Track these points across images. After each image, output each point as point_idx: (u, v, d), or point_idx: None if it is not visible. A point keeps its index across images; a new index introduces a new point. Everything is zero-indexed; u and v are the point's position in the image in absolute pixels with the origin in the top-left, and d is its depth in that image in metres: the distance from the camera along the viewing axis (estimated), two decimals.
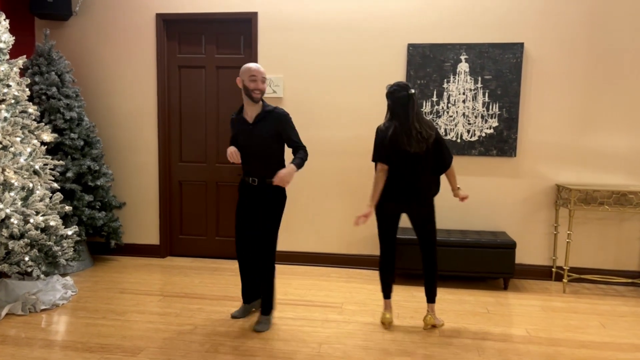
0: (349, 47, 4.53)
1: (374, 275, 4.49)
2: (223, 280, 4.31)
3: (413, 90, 3.19)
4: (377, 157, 3.27)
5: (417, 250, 3.48)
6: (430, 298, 3.33)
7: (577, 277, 4.31)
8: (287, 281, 4.28)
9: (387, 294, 3.40)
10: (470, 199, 4.49)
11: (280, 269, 4.59)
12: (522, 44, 4.28)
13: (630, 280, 4.24)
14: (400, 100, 3.19)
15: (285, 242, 4.77)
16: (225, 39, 4.78)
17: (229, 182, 4.88)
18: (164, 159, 4.90)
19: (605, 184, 4.31)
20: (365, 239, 4.65)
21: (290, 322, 3.41)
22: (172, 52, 4.85)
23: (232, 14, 4.64)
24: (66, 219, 4.26)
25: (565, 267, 4.13)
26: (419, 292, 4.03)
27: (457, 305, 3.79)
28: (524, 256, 4.46)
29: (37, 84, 4.30)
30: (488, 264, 4.13)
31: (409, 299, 3.90)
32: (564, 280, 4.14)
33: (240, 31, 4.74)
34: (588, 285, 4.35)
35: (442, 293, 4.03)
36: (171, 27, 4.82)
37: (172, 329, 3.25)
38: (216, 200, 4.95)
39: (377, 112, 4.49)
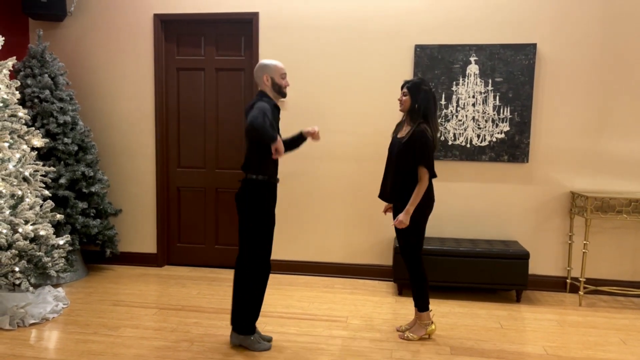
0: (353, 48, 4.35)
1: (380, 285, 4.30)
2: (222, 291, 4.12)
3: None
4: (432, 168, 3.09)
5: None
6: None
7: (594, 288, 4.11)
8: (289, 293, 4.10)
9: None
10: (480, 207, 4.30)
11: (281, 280, 4.41)
12: (534, 45, 4.10)
13: None
14: (431, 94, 3.15)
15: (287, 251, 4.59)
16: (225, 40, 4.61)
17: (229, 188, 4.70)
18: (162, 164, 4.73)
19: (622, 191, 4.12)
20: (372, 247, 4.47)
21: (293, 337, 3.23)
22: (171, 53, 4.69)
23: (233, 15, 4.48)
24: (59, 228, 4.08)
25: (581, 279, 3.94)
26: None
27: (469, 319, 3.59)
28: (536, 267, 4.27)
29: (30, 86, 4.14)
30: (500, 275, 3.93)
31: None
32: (580, 292, 3.94)
33: (240, 32, 4.57)
34: (605, 297, 4.15)
35: (452, 306, 3.84)
36: (169, 28, 4.65)
37: (167, 347, 3.07)
38: (215, 207, 4.77)
39: (382, 116, 4.31)
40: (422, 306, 3.21)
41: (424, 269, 3.20)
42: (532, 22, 4.12)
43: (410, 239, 3.16)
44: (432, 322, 3.24)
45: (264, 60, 3.10)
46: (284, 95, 3.09)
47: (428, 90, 3.14)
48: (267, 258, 3.04)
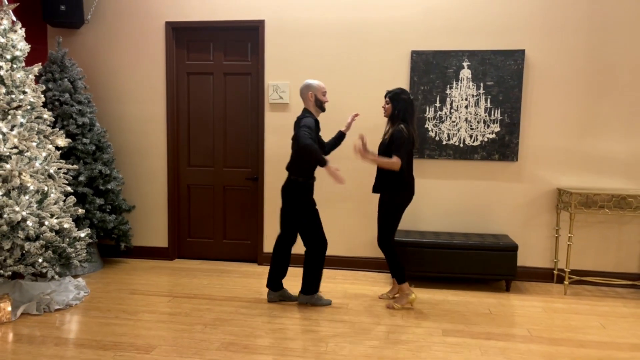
0: (354, 54, 4.64)
1: (379, 277, 4.58)
2: (231, 281, 4.41)
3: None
4: (404, 159, 3.66)
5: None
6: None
7: (578, 279, 4.39)
8: (296, 283, 4.36)
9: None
10: (473, 203, 4.58)
11: (289, 271, 4.67)
12: (523, 51, 4.38)
13: (630, 283, 4.32)
14: (409, 101, 3.74)
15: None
16: (233, 46, 4.90)
17: (236, 186, 4.99)
18: (173, 163, 5.01)
19: (605, 187, 4.39)
20: (371, 241, 4.74)
21: (298, 321, 3.51)
22: (181, 59, 4.97)
23: (240, 22, 4.76)
24: (78, 222, 4.37)
25: (566, 270, 4.21)
26: (423, 294, 4.12)
27: (461, 306, 3.87)
28: (526, 259, 4.55)
29: (51, 90, 4.42)
30: (490, 266, 4.21)
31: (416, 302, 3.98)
32: (565, 282, 4.22)
33: (247, 39, 4.86)
34: (589, 287, 4.42)
35: (446, 295, 4.12)
36: (180, 35, 4.94)
37: (183, 329, 3.35)
38: (223, 203, 5.05)
39: (380, 116, 4.58)
40: (400, 279, 3.77)
41: (396, 250, 3.80)
42: (520, 30, 4.40)
43: (386, 223, 3.75)
44: (412, 292, 3.79)
45: (308, 80, 3.76)
46: (323, 109, 3.81)
47: (407, 99, 3.71)
48: (323, 236, 3.78)
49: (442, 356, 2.99)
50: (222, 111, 4.98)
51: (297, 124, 3.63)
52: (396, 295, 3.97)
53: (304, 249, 3.83)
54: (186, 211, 5.12)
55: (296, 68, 4.72)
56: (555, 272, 4.50)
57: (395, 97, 3.75)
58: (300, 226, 3.75)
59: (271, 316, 3.59)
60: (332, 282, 4.41)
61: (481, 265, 4.22)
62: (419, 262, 4.27)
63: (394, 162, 3.60)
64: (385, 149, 3.75)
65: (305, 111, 3.70)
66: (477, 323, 3.53)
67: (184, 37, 4.95)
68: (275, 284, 3.90)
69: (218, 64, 4.94)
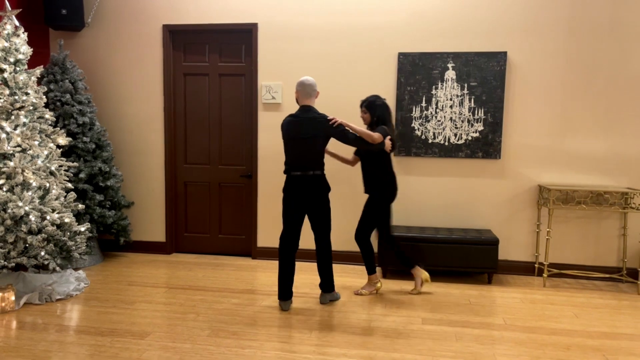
0: (343, 56, 4.82)
1: (365, 270, 4.75)
2: (224, 274, 4.60)
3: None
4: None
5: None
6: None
7: (558, 272, 4.57)
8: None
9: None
10: (457, 199, 4.76)
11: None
12: (505, 53, 4.55)
13: (608, 275, 4.49)
14: (384, 106, 3.98)
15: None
16: (228, 48, 5.08)
17: (231, 183, 5.18)
18: (170, 161, 5.21)
19: (583, 184, 4.57)
20: None
21: (292, 312, 3.69)
22: (178, 60, 5.16)
23: (234, 25, 4.95)
24: (79, 217, 4.57)
25: (545, 263, 4.39)
26: (409, 286, 4.31)
27: (441, 297, 4.06)
28: (508, 253, 4.73)
29: (52, 91, 4.62)
30: (473, 259, 4.39)
31: (398, 292, 4.17)
32: (544, 275, 4.39)
33: (241, 41, 5.04)
34: (569, 280, 4.60)
35: (429, 286, 4.30)
36: (177, 37, 5.13)
37: (177, 317, 3.55)
38: (219, 199, 5.25)
39: None
40: (371, 270, 4.09)
41: (371, 245, 4.07)
42: (503, 33, 4.58)
43: (370, 219, 4.00)
44: (379, 281, 4.12)
45: (310, 78, 3.76)
46: None
47: (382, 104, 3.94)
48: None
49: (419, 342, 3.18)
50: (218, 111, 5.17)
51: (310, 120, 3.65)
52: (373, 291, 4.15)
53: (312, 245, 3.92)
54: (183, 207, 5.32)
55: (288, 69, 4.90)
56: (536, 265, 4.68)
57: (371, 105, 3.97)
58: (329, 218, 3.81)
59: (261, 306, 3.78)
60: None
61: (464, 258, 4.40)
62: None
63: (375, 135, 3.61)
64: (366, 154, 3.97)
65: (313, 108, 3.71)
66: (456, 312, 3.72)
67: (181, 39, 5.13)
68: (289, 291, 3.78)
69: (213, 65, 5.13)
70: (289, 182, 3.73)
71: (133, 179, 5.26)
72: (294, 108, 4.88)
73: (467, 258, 4.40)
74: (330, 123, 3.63)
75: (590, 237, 4.62)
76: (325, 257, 3.83)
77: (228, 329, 3.34)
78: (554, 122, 4.58)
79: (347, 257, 4.98)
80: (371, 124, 3.98)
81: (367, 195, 4.08)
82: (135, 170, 5.25)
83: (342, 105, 4.83)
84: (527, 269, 4.72)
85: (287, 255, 3.75)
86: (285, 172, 3.76)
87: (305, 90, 3.71)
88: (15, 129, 3.82)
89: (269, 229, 5.07)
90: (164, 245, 5.28)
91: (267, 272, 4.67)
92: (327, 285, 3.87)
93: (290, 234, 3.74)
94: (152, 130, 5.19)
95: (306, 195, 3.70)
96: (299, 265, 4.78)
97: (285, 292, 3.74)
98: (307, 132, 3.64)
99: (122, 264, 4.90)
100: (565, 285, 4.44)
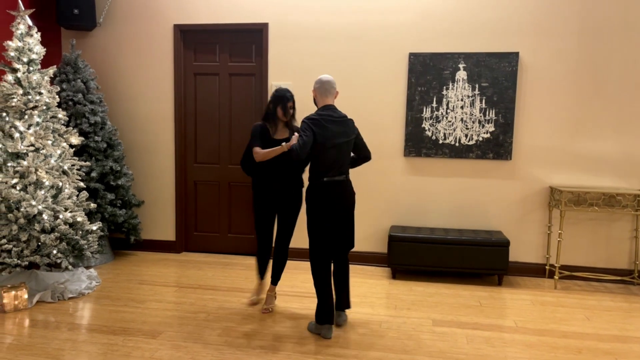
0: (354, 56, 4.81)
1: (376, 270, 4.77)
2: (234, 274, 4.62)
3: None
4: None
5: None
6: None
7: (569, 274, 4.54)
8: (295, 276, 4.58)
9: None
10: (467, 200, 4.74)
11: (288, 265, 4.89)
12: (517, 54, 4.53)
13: (619, 278, 4.46)
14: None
15: (293, 239, 5.04)
16: (238, 48, 5.09)
17: (240, 182, 5.20)
18: (180, 160, 5.23)
19: (595, 186, 4.53)
20: (368, 236, 4.93)
21: (296, 311, 3.71)
22: (189, 60, 5.18)
23: (244, 25, 4.96)
24: (90, 216, 4.61)
25: (556, 265, 4.37)
26: (418, 287, 4.30)
27: (451, 298, 4.05)
28: (519, 254, 4.70)
29: (65, 90, 4.65)
30: (483, 261, 4.37)
31: (407, 293, 4.16)
32: (555, 277, 4.37)
33: (251, 41, 5.05)
34: (580, 282, 4.57)
35: (438, 288, 4.29)
36: (188, 37, 5.15)
37: (187, 316, 3.57)
38: (229, 199, 5.26)
39: (380, 116, 4.78)
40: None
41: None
42: (515, 33, 4.55)
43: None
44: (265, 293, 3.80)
45: (328, 76, 3.38)
46: None
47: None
48: None
49: (429, 344, 3.18)
50: (228, 110, 5.18)
51: (346, 121, 3.33)
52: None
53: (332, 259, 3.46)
54: (193, 206, 5.34)
55: (298, 69, 4.90)
56: (547, 267, 4.65)
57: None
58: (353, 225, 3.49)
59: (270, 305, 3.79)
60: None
61: (474, 260, 4.38)
62: (414, 257, 4.45)
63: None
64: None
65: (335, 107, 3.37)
66: (466, 314, 3.71)
67: (191, 39, 5.15)
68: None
69: (224, 65, 5.14)
70: (323, 188, 3.28)
71: (143, 178, 5.29)
72: (303, 108, 4.89)
73: (477, 259, 4.38)
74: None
75: (601, 239, 4.58)
76: (345, 270, 3.50)
77: (239, 329, 3.36)
78: (566, 123, 4.55)
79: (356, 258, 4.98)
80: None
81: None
82: (145, 170, 5.28)
83: (353, 105, 4.83)
84: (537, 271, 4.69)
85: (329, 273, 3.33)
86: (316, 178, 3.31)
87: (323, 87, 3.33)
88: (28, 128, 3.85)
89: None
90: (174, 244, 5.31)
91: None
92: (345, 302, 3.52)
93: (329, 248, 3.32)
94: (163, 129, 5.21)
95: (342, 202, 3.35)
96: (300, 265, 4.79)
97: (330, 314, 3.29)
98: (344, 134, 3.30)
99: (132, 262, 4.94)
100: (576, 288, 4.41)
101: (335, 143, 3.25)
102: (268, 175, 3.66)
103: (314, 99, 3.42)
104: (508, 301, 4.02)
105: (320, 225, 3.27)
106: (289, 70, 4.93)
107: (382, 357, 2.98)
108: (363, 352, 3.05)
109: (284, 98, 3.59)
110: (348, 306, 3.53)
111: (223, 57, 5.13)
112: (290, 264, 4.93)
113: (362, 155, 3.53)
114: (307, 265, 4.91)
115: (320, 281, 3.28)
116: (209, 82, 5.19)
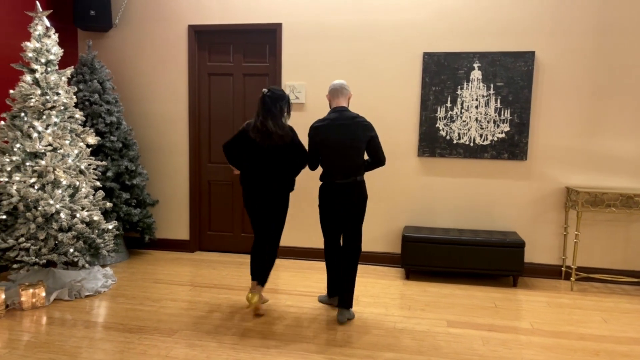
0: (368, 55, 4.80)
1: (389, 271, 4.75)
2: (248, 273, 4.63)
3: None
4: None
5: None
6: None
7: (586, 276, 4.49)
8: (308, 275, 4.58)
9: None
10: (482, 200, 4.71)
11: (302, 264, 4.90)
12: (533, 53, 4.49)
13: (637, 280, 4.40)
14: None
15: (306, 239, 5.07)
16: (252, 48, 5.11)
17: None
18: (195, 160, 5.26)
19: (613, 186, 4.48)
20: (382, 236, 4.92)
21: (310, 311, 3.71)
22: (203, 60, 5.21)
23: (258, 25, 4.97)
24: (106, 215, 4.65)
25: (572, 266, 4.32)
26: (432, 288, 4.28)
27: (466, 299, 4.02)
28: (534, 255, 4.66)
29: (81, 91, 4.70)
30: (498, 262, 4.34)
31: (421, 294, 4.15)
32: (571, 278, 4.32)
33: (265, 41, 5.06)
34: (597, 284, 4.52)
35: (453, 289, 4.27)
36: (202, 37, 5.17)
37: (203, 315, 3.59)
38: (242, 199, 5.28)
39: (394, 116, 4.76)
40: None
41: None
42: (530, 32, 4.51)
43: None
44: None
45: (340, 80, 3.56)
46: None
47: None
48: None
49: (444, 345, 3.16)
50: (242, 110, 5.20)
51: (359, 121, 3.41)
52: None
53: (338, 252, 3.67)
54: (207, 206, 5.37)
55: (312, 69, 4.91)
56: (563, 268, 4.60)
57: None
58: (361, 221, 3.55)
59: (285, 305, 3.80)
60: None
61: (489, 261, 4.35)
62: (428, 257, 4.43)
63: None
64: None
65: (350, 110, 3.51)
66: (481, 316, 3.68)
67: (206, 39, 5.18)
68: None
69: (237, 65, 5.16)
70: (322, 190, 3.55)
71: (158, 178, 5.33)
72: (317, 108, 4.91)
73: (492, 260, 4.35)
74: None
75: (619, 241, 4.53)
76: (352, 264, 3.52)
77: (254, 328, 3.37)
78: (583, 122, 4.50)
79: (373, 258, 4.97)
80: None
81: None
82: (160, 169, 5.32)
83: (366, 105, 4.82)
84: (553, 272, 4.65)
85: (330, 256, 3.69)
86: (320, 179, 3.55)
87: (333, 90, 3.50)
88: (46, 128, 3.90)
89: (290, 228, 5.09)
90: (188, 244, 5.34)
91: (289, 272, 4.69)
92: (349, 300, 3.54)
93: (335, 245, 3.66)
94: (177, 129, 5.25)
95: (344, 204, 3.47)
96: (315, 265, 4.79)
97: (334, 289, 3.76)
98: (349, 137, 3.39)
99: (147, 261, 4.98)
100: (593, 290, 4.36)
101: (336, 148, 3.40)
102: (252, 173, 3.53)
103: (329, 102, 3.59)
104: (524, 303, 3.99)
105: (322, 222, 3.65)
106: (302, 71, 4.93)
107: (397, 357, 2.98)
108: (378, 352, 3.04)
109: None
110: (347, 305, 3.51)
111: (237, 58, 5.15)
112: (304, 263, 4.94)
113: (376, 159, 3.50)
114: (321, 265, 4.91)
115: (325, 260, 3.74)
116: (223, 82, 5.21)
